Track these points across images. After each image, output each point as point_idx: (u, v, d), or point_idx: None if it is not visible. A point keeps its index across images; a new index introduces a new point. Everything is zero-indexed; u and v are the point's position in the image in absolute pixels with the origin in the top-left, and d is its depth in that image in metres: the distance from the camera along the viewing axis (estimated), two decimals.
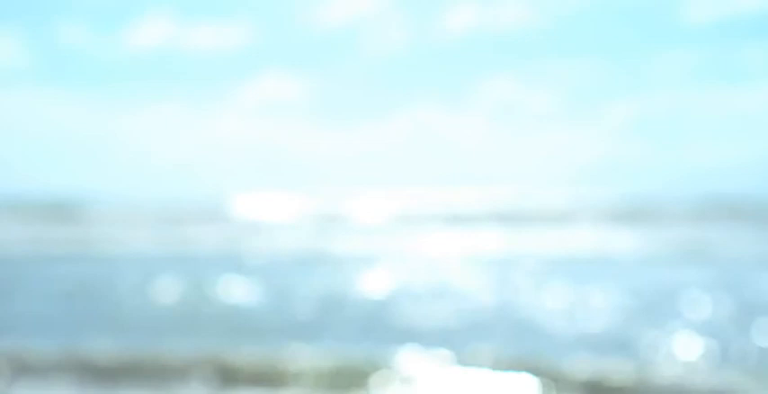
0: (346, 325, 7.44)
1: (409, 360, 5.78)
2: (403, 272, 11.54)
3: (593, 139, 53.77)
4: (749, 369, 5.70)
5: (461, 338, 6.68)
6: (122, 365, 5.86)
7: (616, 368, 5.58)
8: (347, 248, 15.59)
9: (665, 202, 26.10)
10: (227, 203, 28.21)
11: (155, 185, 39.24)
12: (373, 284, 10.03)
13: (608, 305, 8.13)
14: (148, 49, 57.96)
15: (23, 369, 5.70)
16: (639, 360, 5.96)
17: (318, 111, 60.16)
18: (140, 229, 19.91)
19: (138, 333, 7.09)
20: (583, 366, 5.63)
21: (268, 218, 24.95)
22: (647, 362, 5.92)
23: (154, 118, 57.47)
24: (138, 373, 5.76)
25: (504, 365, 5.68)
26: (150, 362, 5.88)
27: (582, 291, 9.00)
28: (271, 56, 60.89)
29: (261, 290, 9.40)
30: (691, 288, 8.99)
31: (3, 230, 19.54)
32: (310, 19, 60.15)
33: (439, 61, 63.77)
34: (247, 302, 8.69)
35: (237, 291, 9.27)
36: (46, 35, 56.49)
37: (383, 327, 7.27)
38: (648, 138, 58.19)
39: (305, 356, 5.92)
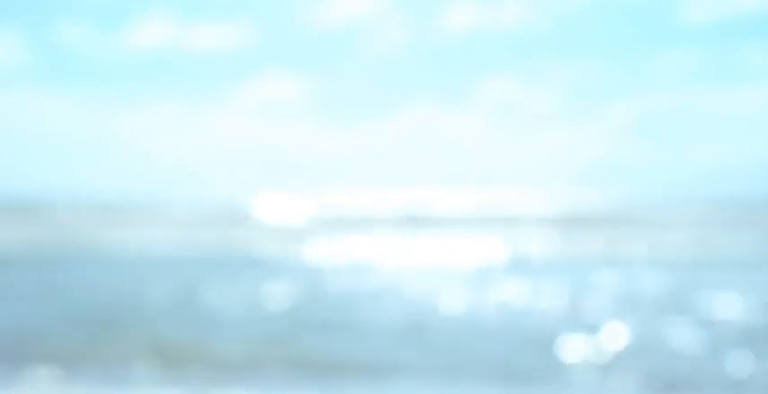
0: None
1: None
2: (402, 278, 11.50)
3: (593, 139, 53.88)
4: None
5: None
6: None
7: None
8: (346, 249, 15.56)
9: (665, 202, 26.08)
10: (227, 204, 28.19)
11: (155, 185, 39.27)
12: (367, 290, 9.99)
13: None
14: (148, 49, 58.08)
15: None
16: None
17: (318, 111, 60.33)
18: (139, 230, 19.88)
19: None
20: None
21: (270, 218, 24.92)
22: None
23: (154, 118, 57.58)
24: None
25: None
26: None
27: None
28: (271, 56, 61.04)
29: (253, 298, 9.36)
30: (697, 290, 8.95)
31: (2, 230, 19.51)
32: (310, 19, 60.29)
33: (439, 61, 63.93)
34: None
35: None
36: (46, 35, 56.61)
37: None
38: (648, 138, 58.37)
39: None
